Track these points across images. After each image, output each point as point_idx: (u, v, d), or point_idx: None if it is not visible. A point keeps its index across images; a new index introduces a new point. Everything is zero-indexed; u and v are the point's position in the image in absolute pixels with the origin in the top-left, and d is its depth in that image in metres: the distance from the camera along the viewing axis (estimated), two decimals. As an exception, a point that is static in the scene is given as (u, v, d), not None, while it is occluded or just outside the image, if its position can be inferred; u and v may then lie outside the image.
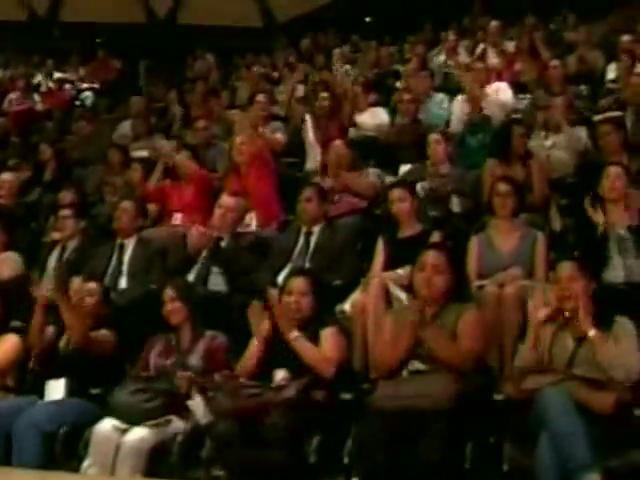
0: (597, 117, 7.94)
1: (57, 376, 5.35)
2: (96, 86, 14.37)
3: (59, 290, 5.56)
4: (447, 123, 8.41)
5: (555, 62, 9.08)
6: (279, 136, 8.20)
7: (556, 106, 7.59)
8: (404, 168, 7.42)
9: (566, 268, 4.56)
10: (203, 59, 14.56)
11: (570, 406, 4.05)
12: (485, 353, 4.73)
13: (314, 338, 4.79)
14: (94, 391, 5.33)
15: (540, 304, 4.51)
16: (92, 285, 5.76)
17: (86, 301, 5.64)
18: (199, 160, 7.90)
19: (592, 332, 4.30)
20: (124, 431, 4.81)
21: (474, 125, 7.86)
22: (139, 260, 6.53)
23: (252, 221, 6.99)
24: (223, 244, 6.31)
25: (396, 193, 5.99)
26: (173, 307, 5.34)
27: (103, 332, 5.49)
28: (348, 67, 11.52)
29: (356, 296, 5.49)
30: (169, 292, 5.39)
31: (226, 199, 6.61)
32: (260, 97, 8.85)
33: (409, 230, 5.88)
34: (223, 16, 16.72)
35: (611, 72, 9.26)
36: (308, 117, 8.48)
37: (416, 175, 6.89)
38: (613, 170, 5.75)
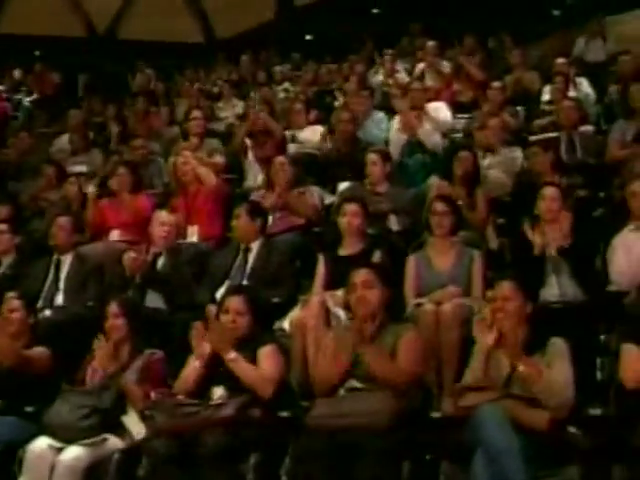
0: (532, 138, 8.07)
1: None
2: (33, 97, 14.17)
3: None
4: (386, 142, 8.46)
5: (497, 84, 9.19)
6: (218, 158, 8.18)
7: (490, 127, 7.69)
8: (342, 185, 7.44)
9: (503, 287, 4.56)
10: (142, 73, 14.48)
11: (505, 422, 4.07)
12: (423, 371, 4.74)
13: (252, 357, 4.75)
14: (28, 409, 5.23)
15: (484, 328, 4.46)
16: (14, 303, 5.60)
17: (11, 318, 5.50)
18: (138, 176, 7.84)
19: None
20: (59, 450, 4.74)
21: (411, 146, 7.93)
22: (76, 276, 6.47)
23: (193, 236, 6.99)
24: (161, 261, 6.28)
25: (351, 207, 5.93)
26: (115, 323, 5.23)
27: (37, 349, 5.40)
28: (287, 85, 11.55)
29: (295, 313, 5.49)
30: (114, 308, 5.28)
31: (168, 216, 6.60)
32: (196, 113, 8.82)
33: (351, 248, 5.86)
34: (164, 32, 16.66)
35: (547, 94, 9.39)
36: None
37: (354, 193, 6.90)
38: (548, 191, 5.82)
